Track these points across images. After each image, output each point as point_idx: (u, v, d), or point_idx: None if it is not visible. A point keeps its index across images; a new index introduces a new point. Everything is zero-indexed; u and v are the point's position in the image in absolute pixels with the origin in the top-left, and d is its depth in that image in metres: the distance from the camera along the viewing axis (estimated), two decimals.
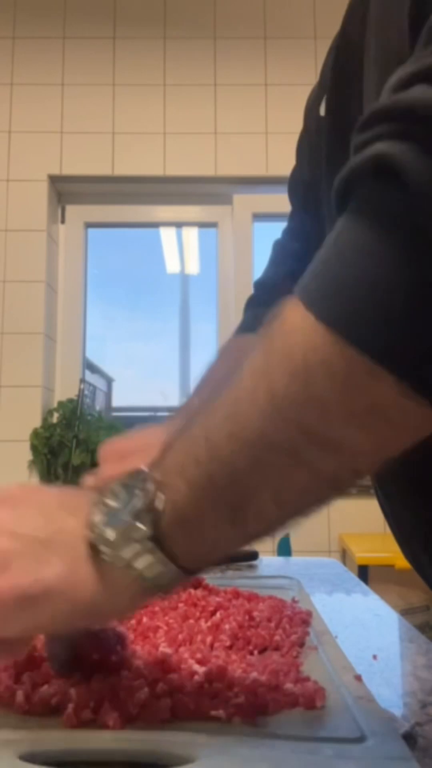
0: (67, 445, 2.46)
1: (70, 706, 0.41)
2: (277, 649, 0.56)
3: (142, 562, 0.39)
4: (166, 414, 2.84)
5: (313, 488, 0.38)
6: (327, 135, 0.64)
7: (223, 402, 0.38)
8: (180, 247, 2.85)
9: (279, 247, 0.89)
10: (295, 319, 0.35)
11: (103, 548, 0.39)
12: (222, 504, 0.38)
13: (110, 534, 0.39)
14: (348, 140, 0.60)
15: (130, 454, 0.74)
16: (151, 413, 2.89)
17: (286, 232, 0.88)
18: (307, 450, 0.36)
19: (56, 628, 0.41)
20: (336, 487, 0.38)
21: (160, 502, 0.39)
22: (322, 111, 0.65)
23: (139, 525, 0.39)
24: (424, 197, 0.32)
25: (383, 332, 0.33)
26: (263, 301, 0.89)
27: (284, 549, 2.18)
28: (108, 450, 0.68)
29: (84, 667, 0.46)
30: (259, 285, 0.92)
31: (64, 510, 0.42)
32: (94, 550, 0.40)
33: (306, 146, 0.77)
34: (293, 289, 0.37)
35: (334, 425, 0.35)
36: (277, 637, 0.57)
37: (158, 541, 0.39)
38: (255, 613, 0.63)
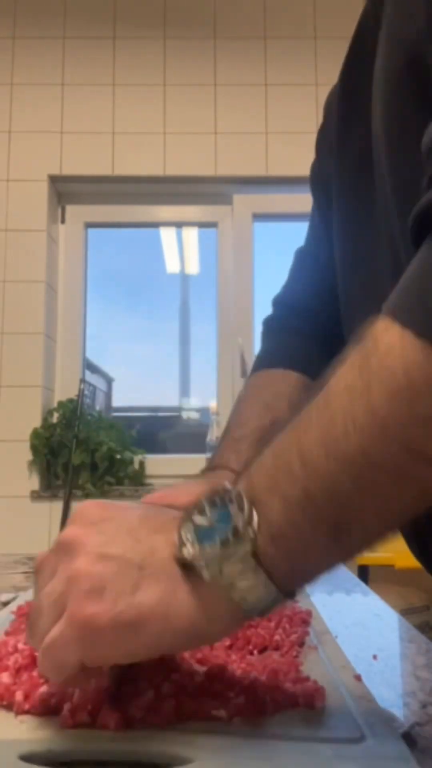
0: (67, 445, 2.46)
1: (66, 707, 0.41)
2: (276, 648, 0.56)
3: (245, 583, 0.38)
4: (166, 414, 2.84)
5: (420, 502, 0.37)
6: (338, 121, 0.66)
7: (314, 422, 0.37)
8: (180, 247, 2.85)
9: (299, 257, 0.85)
10: (392, 339, 0.35)
11: (201, 566, 0.38)
12: (322, 521, 0.37)
13: (209, 551, 0.37)
14: (356, 125, 0.62)
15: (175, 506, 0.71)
16: (151, 413, 2.90)
17: (308, 237, 0.85)
18: (414, 467, 0.35)
19: (152, 655, 0.40)
20: None
21: (256, 520, 0.37)
22: None
23: (240, 542, 0.37)
24: None
25: None
26: (288, 326, 0.84)
27: None
28: (151, 500, 0.65)
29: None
30: (279, 303, 0.87)
31: (149, 528, 0.41)
32: (191, 570, 0.38)
33: (324, 140, 0.77)
34: (376, 312, 0.37)
35: None
36: (276, 637, 0.57)
37: (258, 560, 0.37)
38: None
